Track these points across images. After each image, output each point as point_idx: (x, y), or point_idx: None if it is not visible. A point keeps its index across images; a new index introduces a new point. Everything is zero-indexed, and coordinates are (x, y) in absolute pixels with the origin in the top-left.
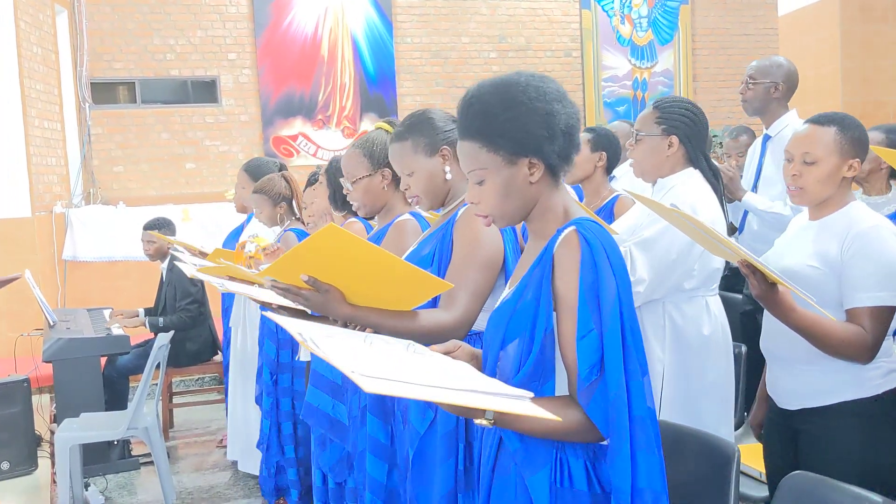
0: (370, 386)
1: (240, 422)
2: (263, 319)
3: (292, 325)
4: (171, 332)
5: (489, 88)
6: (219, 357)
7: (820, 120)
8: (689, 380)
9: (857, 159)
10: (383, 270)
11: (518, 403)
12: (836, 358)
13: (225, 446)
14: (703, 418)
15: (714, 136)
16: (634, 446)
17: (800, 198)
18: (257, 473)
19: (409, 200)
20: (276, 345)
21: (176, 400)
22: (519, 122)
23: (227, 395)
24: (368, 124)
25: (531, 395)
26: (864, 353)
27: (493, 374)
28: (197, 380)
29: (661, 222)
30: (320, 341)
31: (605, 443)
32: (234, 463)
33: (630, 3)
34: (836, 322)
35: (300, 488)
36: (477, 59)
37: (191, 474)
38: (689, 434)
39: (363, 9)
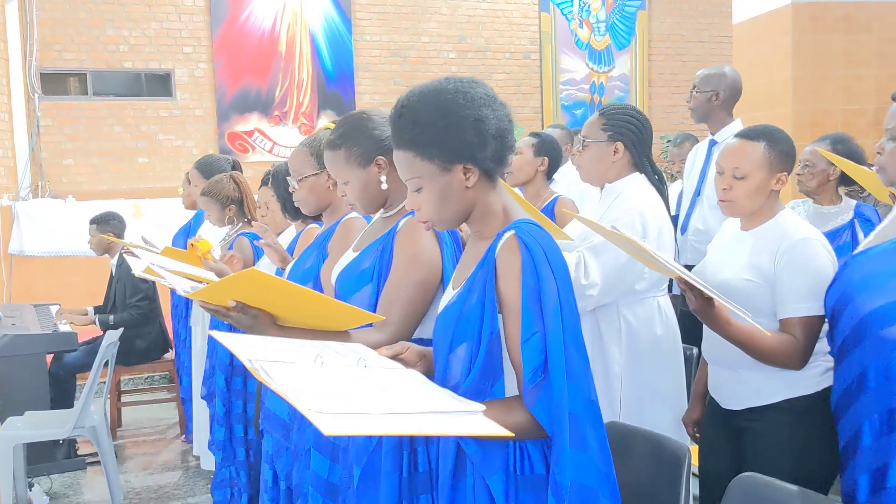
0: (329, 428)
1: (202, 419)
2: (215, 320)
3: (241, 350)
4: (121, 330)
5: (418, 98)
6: (169, 355)
7: (749, 134)
8: (645, 380)
9: (785, 172)
10: (311, 304)
11: (472, 422)
12: (771, 366)
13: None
14: (660, 418)
15: (668, 140)
16: (574, 444)
17: (730, 210)
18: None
19: (340, 212)
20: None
21: (125, 398)
22: (450, 131)
23: (181, 391)
24: (326, 121)
25: (483, 407)
26: (797, 360)
27: (443, 377)
28: (147, 378)
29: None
30: (271, 369)
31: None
32: (185, 463)
33: (588, 7)
34: (769, 333)
35: (250, 491)
36: (436, 59)
37: (139, 474)
38: (641, 435)
39: (322, 5)
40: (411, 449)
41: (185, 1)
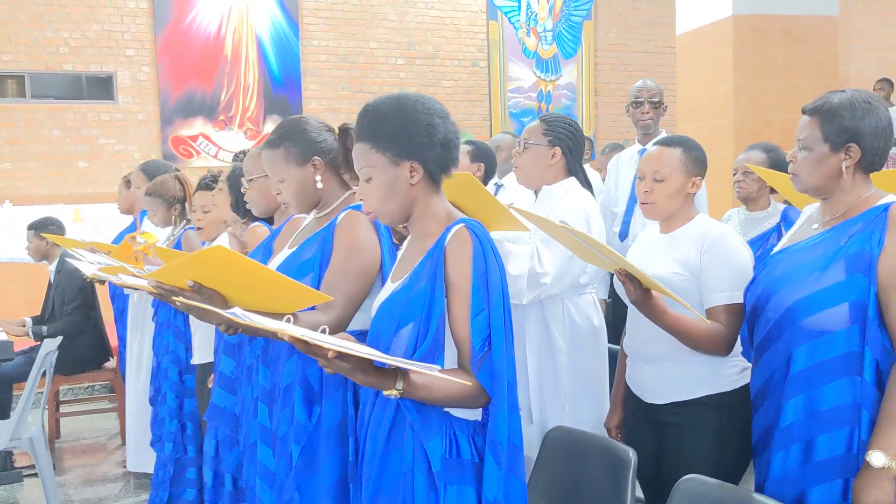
0: (298, 333)
1: (135, 427)
2: (169, 321)
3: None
4: (59, 338)
5: (384, 100)
6: (110, 364)
7: (667, 142)
8: (584, 368)
9: (699, 177)
10: (267, 284)
11: (427, 366)
12: (700, 352)
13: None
14: (592, 405)
15: (605, 151)
16: (510, 408)
17: (651, 212)
18: (150, 472)
19: (281, 205)
20: (185, 345)
21: (64, 409)
22: (404, 129)
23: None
24: (272, 126)
25: (439, 367)
26: (723, 346)
27: None
28: (87, 388)
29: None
30: (247, 313)
31: (479, 418)
32: (126, 473)
33: (536, 16)
34: (700, 321)
35: (197, 487)
36: (384, 65)
37: (78, 486)
38: (586, 438)
39: (268, 9)
40: (355, 434)
41: (127, 3)
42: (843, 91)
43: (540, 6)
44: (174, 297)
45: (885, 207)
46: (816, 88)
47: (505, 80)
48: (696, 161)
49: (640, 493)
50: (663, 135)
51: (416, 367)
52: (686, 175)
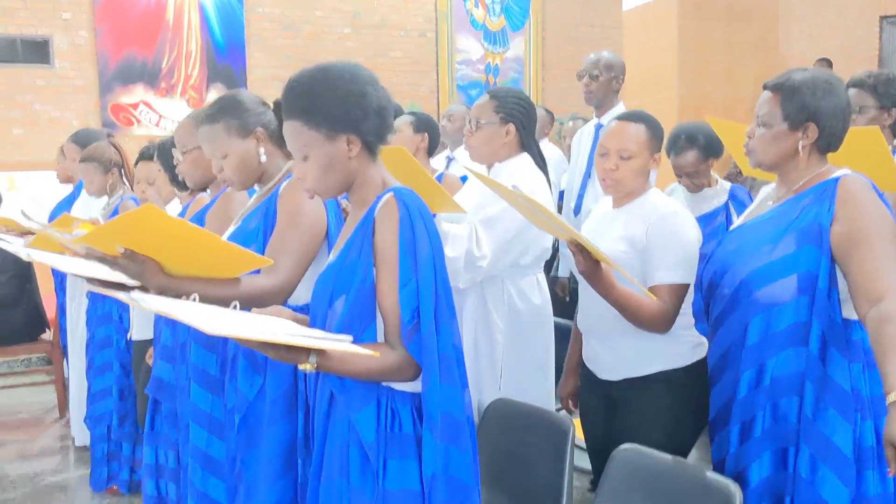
0: (210, 328)
1: (78, 399)
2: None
3: (119, 293)
4: None
5: (309, 73)
6: (47, 335)
7: (630, 117)
8: (524, 349)
9: (658, 153)
10: (202, 247)
11: (338, 342)
12: (641, 329)
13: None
14: (537, 386)
15: (560, 122)
16: (442, 379)
17: (615, 189)
18: None
19: (221, 182)
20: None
21: None
22: (335, 102)
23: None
24: (215, 95)
25: (350, 338)
26: (663, 324)
27: None
28: (23, 360)
29: (502, 202)
30: (146, 298)
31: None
32: (64, 446)
33: None
34: (645, 298)
35: (132, 464)
36: (330, 35)
37: (13, 461)
38: (526, 410)
39: None
40: (306, 406)
41: None
42: (805, 70)
43: None
44: (87, 280)
45: (836, 180)
46: (757, 66)
47: (453, 51)
48: (658, 138)
49: (581, 463)
50: (620, 108)
51: (327, 341)
52: (650, 152)
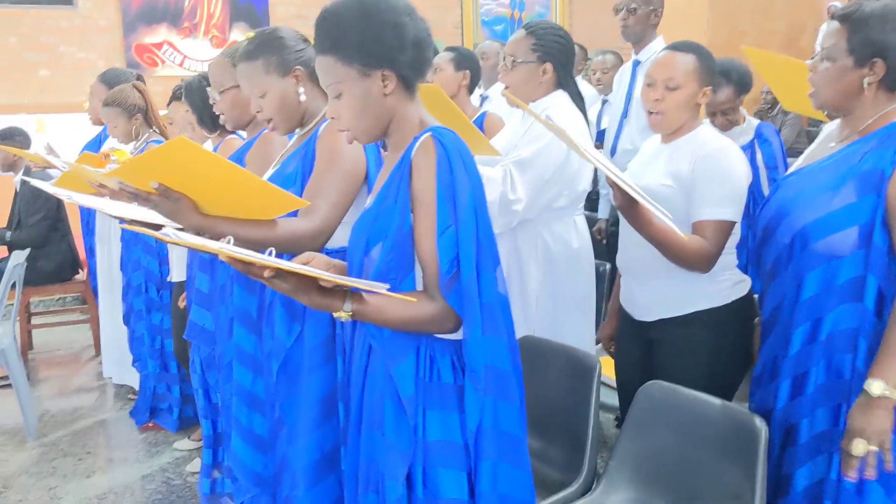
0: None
1: (111, 338)
2: (136, 235)
3: (152, 231)
4: (27, 250)
5: (341, 3)
6: (81, 276)
7: (679, 47)
8: (559, 295)
9: (710, 87)
10: (237, 185)
11: (374, 285)
12: (681, 267)
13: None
14: (571, 330)
15: (589, 59)
16: (485, 329)
17: (660, 124)
18: (136, 386)
19: (264, 125)
20: (158, 261)
21: (36, 321)
22: (370, 34)
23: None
24: (238, 34)
25: (387, 285)
26: (705, 262)
27: None
28: (58, 300)
29: (536, 143)
30: (181, 234)
31: (459, 336)
32: (101, 384)
33: None
34: (684, 235)
35: (181, 405)
36: None
37: (53, 397)
38: (553, 348)
39: None
40: (344, 353)
41: None
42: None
43: None
44: (129, 221)
45: None
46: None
47: None
48: (709, 70)
49: (607, 399)
50: (660, 43)
51: (362, 285)
52: (699, 84)
